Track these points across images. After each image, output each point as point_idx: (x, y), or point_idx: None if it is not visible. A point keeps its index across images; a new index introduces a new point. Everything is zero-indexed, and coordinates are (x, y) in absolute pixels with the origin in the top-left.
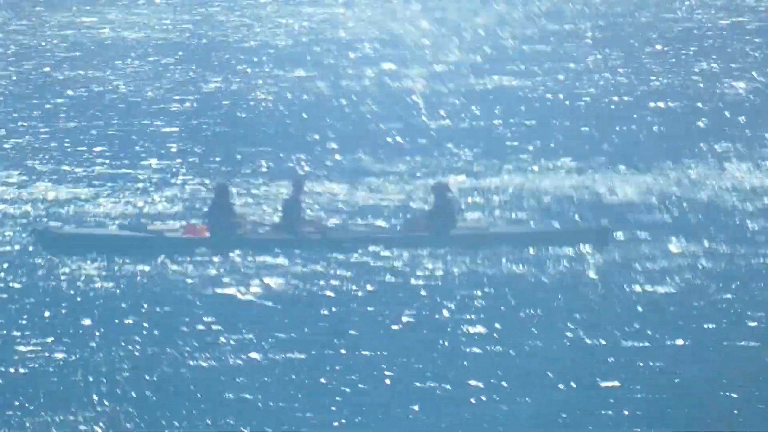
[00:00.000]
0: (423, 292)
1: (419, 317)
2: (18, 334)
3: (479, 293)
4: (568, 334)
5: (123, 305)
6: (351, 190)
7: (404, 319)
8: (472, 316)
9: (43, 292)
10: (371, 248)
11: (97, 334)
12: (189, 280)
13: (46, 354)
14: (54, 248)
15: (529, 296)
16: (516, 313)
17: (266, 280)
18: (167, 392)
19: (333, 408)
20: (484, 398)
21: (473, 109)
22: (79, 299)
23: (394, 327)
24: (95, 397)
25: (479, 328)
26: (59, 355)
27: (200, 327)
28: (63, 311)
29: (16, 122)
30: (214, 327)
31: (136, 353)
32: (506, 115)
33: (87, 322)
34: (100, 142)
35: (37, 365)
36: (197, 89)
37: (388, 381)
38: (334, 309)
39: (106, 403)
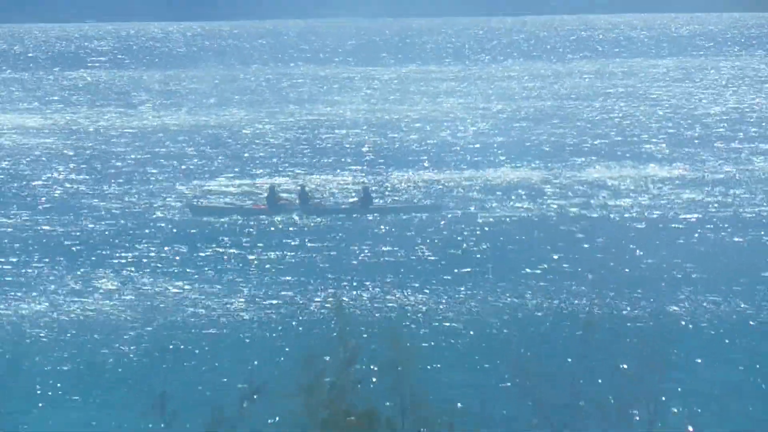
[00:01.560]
0: (353, 233)
1: (351, 243)
2: (173, 261)
3: (380, 234)
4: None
5: (232, 241)
6: (328, 187)
7: (345, 245)
8: (373, 243)
9: (191, 236)
10: (334, 213)
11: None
12: (257, 225)
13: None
14: (198, 213)
15: (395, 238)
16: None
17: (295, 230)
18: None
19: None
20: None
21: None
22: (210, 238)
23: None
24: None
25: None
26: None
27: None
28: (202, 248)
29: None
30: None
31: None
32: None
33: (217, 250)
34: (228, 161)
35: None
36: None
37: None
38: (317, 239)
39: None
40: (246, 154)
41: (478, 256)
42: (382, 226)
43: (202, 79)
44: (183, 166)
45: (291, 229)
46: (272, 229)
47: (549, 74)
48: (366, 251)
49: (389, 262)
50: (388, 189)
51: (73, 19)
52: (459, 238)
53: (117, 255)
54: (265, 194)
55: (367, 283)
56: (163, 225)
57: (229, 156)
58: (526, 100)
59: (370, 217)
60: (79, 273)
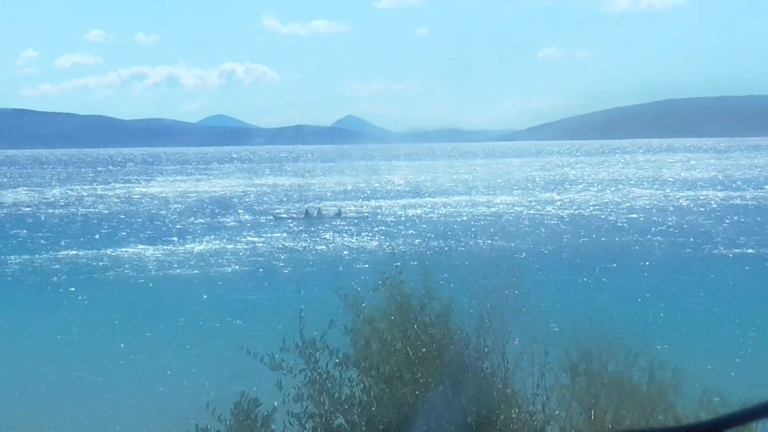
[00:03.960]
0: (340, 226)
1: (339, 228)
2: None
3: (347, 228)
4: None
5: (290, 229)
6: (326, 208)
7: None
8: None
9: (275, 228)
10: (327, 219)
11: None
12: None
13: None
14: (308, 218)
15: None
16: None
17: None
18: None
19: None
20: None
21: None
22: (284, 230)
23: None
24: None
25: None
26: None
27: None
28: (282, 234)
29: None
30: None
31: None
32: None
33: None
34: (296, 197)
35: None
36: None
37: None
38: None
39: None
40: (305, 194)
41: (412, 233)
42: (348, 225)
43: (344, 165)
44: (280, 198)
45: (312, 225)
46: (307, 223)
47: (483, 163)
48: (338, 234)
49: (351, 240)
50: (353, 207)
51: (292, 143)
52: (389, 228)
53: (246, 233)
54: (303, 211)
55: (347, 243)
56: (265, 223)
57: (299, 195)
58: (477, 175)
59: (342, 221)
60: (225, 235)
